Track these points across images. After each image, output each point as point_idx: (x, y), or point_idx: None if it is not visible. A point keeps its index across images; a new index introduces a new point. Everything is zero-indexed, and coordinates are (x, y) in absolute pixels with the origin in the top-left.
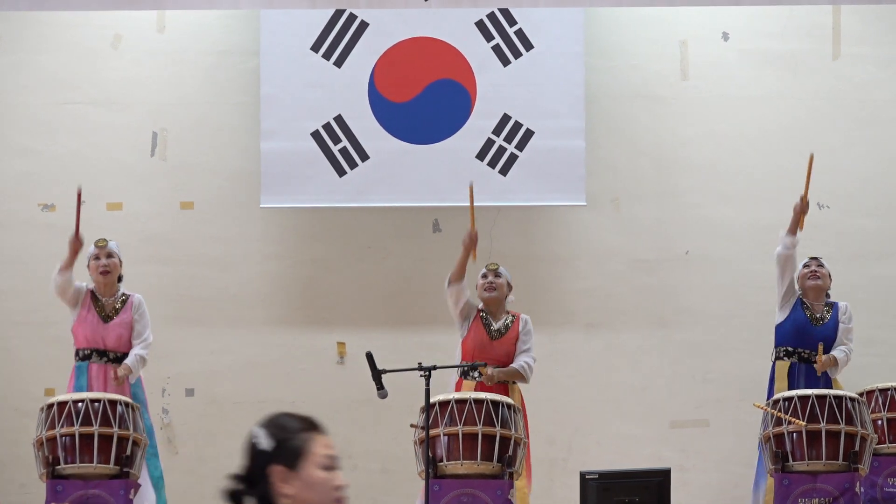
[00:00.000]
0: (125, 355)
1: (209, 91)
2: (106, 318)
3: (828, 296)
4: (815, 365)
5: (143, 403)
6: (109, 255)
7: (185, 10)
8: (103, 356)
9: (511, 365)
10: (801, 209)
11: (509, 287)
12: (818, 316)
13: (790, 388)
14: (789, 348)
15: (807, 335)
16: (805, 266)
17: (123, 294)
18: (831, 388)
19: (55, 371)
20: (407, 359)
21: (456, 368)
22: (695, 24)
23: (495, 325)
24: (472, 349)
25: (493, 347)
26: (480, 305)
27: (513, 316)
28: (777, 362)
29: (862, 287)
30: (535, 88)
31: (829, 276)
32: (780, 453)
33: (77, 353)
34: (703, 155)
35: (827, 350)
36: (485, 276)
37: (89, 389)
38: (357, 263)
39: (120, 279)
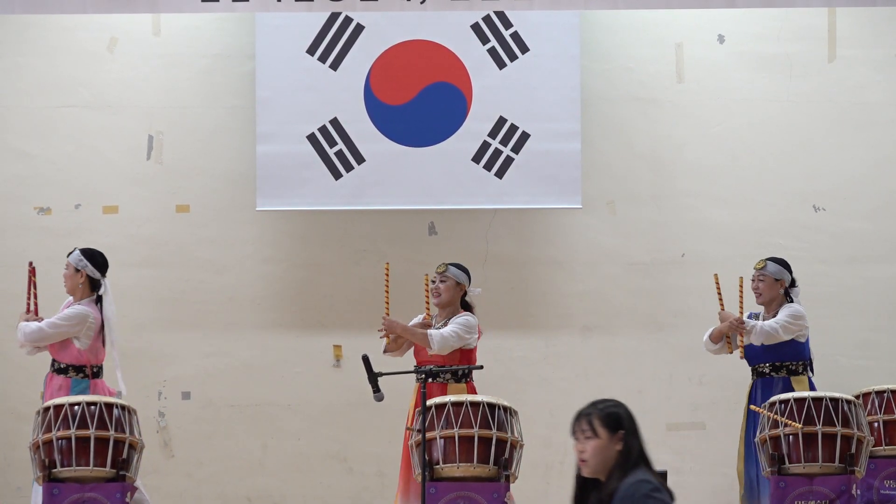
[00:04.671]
0: (66, 367)
1: (205, 94)
2: None
3: (788, 297)
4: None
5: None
6: (65, 269)
7: (181, 13)
8: (53, 364)
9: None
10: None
11: (458, 286)
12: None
13: (752, 404)
14: (752, 367)
15: (758, 349)
16: (752, 279)
17: (73, 302)
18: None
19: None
20: (403, 362)
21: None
22: (690, 26)
23: (436, 326)
24: (426, 356)
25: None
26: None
27: (456, 314)
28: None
29: (856, 290)
30: (530, 91)
31: (774, 280)
32: (777, 456)
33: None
34: (699, 157)
35: (777, 365)
36: (433, 280)
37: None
38: (353, 266)
39: (97, 287)
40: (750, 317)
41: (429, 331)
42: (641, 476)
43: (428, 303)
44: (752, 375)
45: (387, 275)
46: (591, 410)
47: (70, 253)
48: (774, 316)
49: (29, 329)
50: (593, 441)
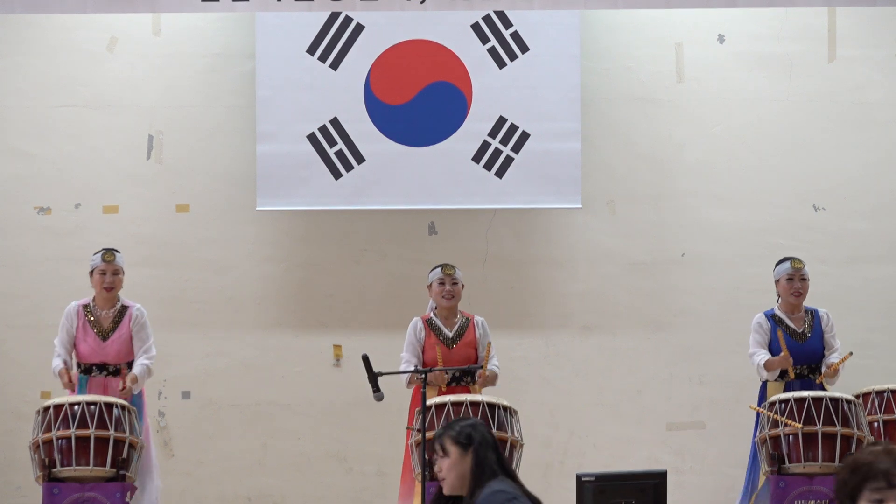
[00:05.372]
0: (120, 368)
1: (205, 94)
2: (104, 336)
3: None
4: (820, 380)
5: (141, 410)
6: (115, 273)
7: (181, 12)
8: (103, 370)
9: (491, 369)
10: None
11: (462, 287)
12: (800, 331)
13: None
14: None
15: (796, 352)
16: (788, 279)
17: (122, 305)
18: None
19: (51, 374)
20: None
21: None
22: (690, 26)
23: (449, 333)
24: (432, 360)
25: (451, 354)
26: (432, 311)
27: (466, 318)
28: (769, 383)
29: (856, 289)
30: (530, 91)
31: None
32: (777, 455)
33: (79, 366)
34: (699, 157)
35: (814, 367)
36: (442, 282)
37: None
38: (353, 266)
39: None
40: (768, 316)
41: (494, 368)
42: (497, 486)
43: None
44: (784, 377)
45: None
46: (443, 432)
47: (112, 257)
48: (801, 314)
49: (147, 373)
50: (447, 460)
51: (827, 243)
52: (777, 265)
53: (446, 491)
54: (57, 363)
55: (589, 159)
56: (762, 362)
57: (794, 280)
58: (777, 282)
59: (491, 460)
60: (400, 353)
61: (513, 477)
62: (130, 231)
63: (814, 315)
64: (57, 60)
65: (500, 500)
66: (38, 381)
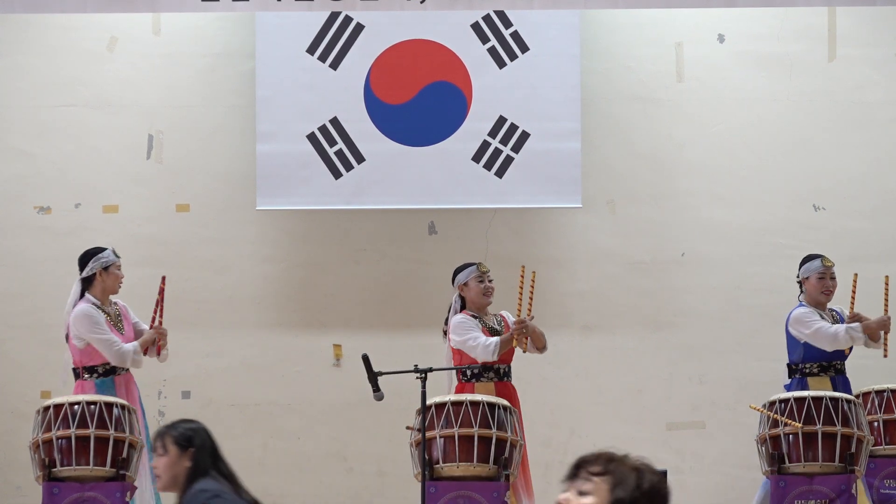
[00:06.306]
0: None
1: (205, 93)
2: (121, 332)
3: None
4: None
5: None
6: (120, 268)
7: (181, 12)
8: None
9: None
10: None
11: None
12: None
13: None
14: (824, 363)
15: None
16: (820, 277)
17: (114, 303)
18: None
19: (51, 373)
20: (403, 361)
21: (454, 373)
22: (690, 25)
23: (496, 327)
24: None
25: None
26: (459, 312)
27: (498, 316)
28: (810, 378)
29: (856, 289)
30: (530, 90)
31: None
32: (777, 455)
33: (94, 371)
34: (699, 156)
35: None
36: (481, 280)
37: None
38: (353, 266)
39: None
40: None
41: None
42: (201, 486)
43: (527, 300)
44: (827, 371)
45: (522, 276)
46: (166, 430)
47: (116, 256)
48: (827, 312)
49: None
50: (164, 458)
51: (827, 243)
52: (805, 262)
53: (159, 488)
54: (132, 344)
55: (589, 159)
56: (851, 330)
57: (826, 278)
58: (806, 279)
59: (206, 465)
60: (399, 353)
61: (230, 479)
62: (130, 231)
63: (837, 314)
64: (57, 60)
65: (202, 500)
66: (38, 381)
